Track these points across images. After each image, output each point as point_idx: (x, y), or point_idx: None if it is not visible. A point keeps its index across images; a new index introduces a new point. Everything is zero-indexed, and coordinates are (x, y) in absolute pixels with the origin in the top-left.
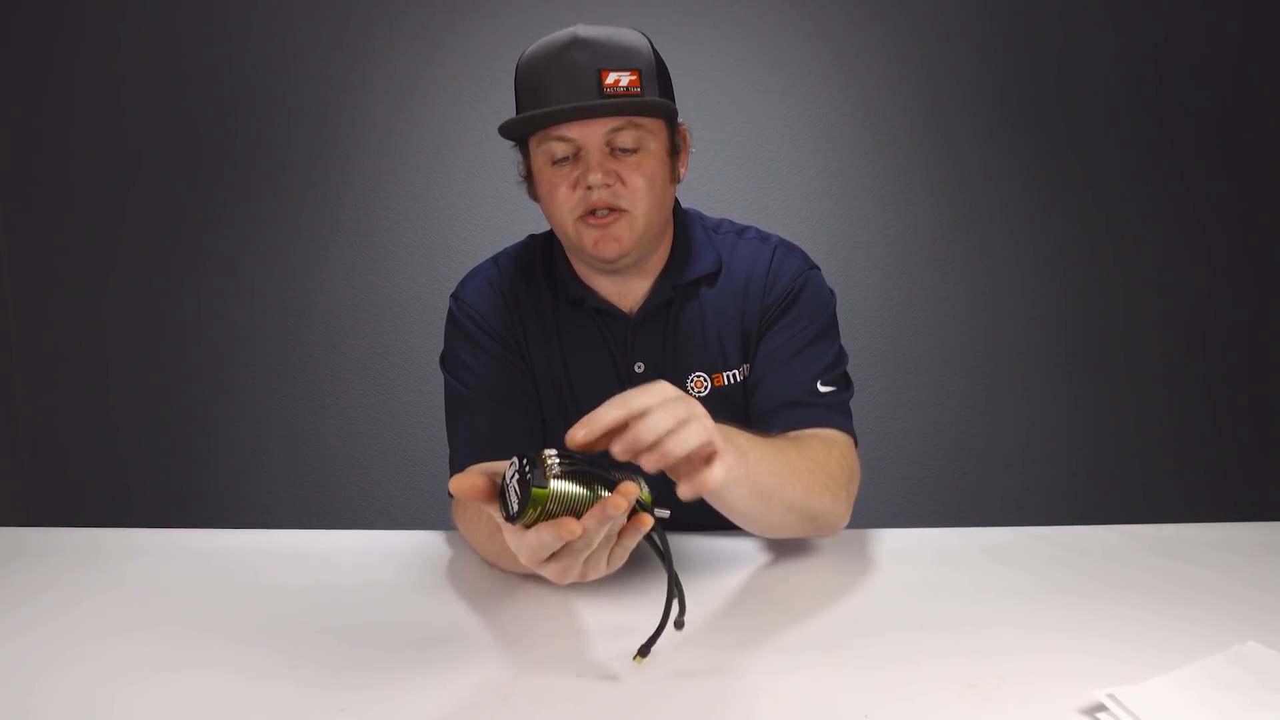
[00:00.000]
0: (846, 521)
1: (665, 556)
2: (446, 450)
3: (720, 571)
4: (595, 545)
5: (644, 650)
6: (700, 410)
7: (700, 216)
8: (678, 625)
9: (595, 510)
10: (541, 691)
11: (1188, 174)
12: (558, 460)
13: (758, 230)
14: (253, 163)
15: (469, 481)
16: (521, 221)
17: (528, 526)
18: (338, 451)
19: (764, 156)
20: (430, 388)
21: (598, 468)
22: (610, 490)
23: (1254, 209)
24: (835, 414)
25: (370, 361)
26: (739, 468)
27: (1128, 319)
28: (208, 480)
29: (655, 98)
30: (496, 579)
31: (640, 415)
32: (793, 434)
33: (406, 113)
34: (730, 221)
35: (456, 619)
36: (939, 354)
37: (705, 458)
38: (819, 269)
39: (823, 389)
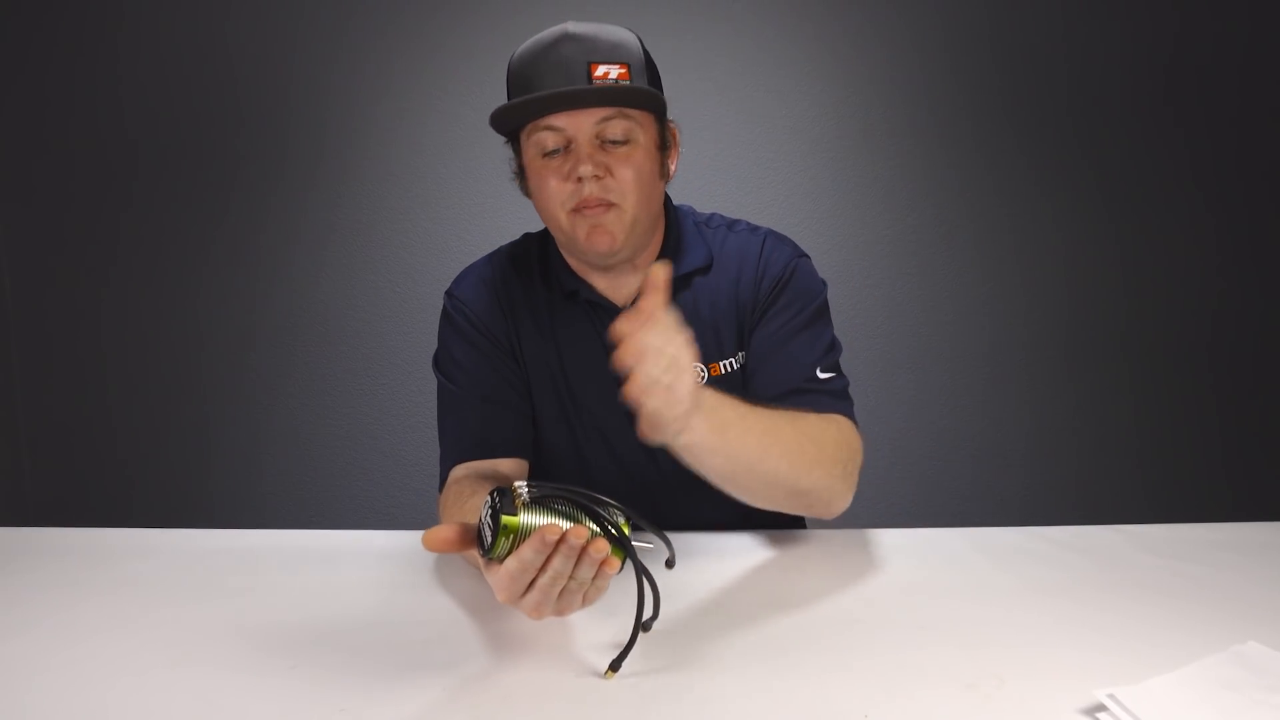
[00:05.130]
0: (847, 502)
1: (640, 581)
2: None
3: (720, 571)
4: (565, 580)
5: (615, 665)
6: (685, 378)
7: (691, 212)
8: (645, 628)
9: (561, 546)
10: (541, 691)
11: (1188, 173)
12: (527, 491)
13: (748, 223)
14: (252, 163)
15: (440, 535)
16: (521, 222)
17: (502, 560)
18: (338, 451)
19: (763, 156)
20: (430, 387)
21: (569, 500)
22: (583, 519)
23: (1254, 209)
24: (837, 400)
25: (370, 361)
26: (712, 437)
27: (1128, 319)
28: (208, 480)
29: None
30: None
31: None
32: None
33: (406, 114)
34: (721, 216)
35: (456, 619)
36: (939, 354)
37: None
38: (809, 257)
39: (822, 375)
